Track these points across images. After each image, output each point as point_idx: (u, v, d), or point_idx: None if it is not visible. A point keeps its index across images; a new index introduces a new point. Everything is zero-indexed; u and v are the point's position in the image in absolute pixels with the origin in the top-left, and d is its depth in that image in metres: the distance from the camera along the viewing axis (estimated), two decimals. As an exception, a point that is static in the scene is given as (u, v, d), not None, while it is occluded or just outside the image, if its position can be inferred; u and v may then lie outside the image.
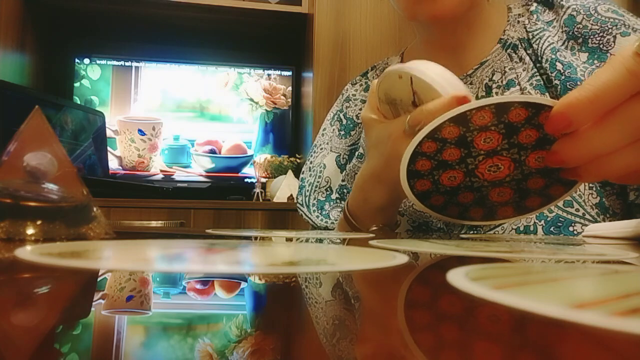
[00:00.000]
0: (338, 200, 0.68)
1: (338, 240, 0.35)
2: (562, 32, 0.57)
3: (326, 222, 0.66)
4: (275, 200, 1.62)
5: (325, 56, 1.62)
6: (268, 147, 1.88)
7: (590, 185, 0.52)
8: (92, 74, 1.81)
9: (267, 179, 1.77)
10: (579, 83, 0.53)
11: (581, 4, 0.57)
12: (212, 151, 1.84)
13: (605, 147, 0.31)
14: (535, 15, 0.60)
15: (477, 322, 0.12)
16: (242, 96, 1.88)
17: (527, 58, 0.58)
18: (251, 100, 1.88)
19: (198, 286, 0.16)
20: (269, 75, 1.90)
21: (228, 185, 1.83)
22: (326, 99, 1.59)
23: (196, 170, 1.83)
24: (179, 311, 0.13)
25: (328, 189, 0.69)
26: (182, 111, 1.84)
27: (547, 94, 0.56)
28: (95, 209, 0.30)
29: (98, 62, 1.81)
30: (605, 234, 0.43)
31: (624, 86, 0.28)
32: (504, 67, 0.59)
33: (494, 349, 0.09)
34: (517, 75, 0.58)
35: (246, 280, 0.17)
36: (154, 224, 1.41)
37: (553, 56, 0.55)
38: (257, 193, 1.70)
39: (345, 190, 0.68)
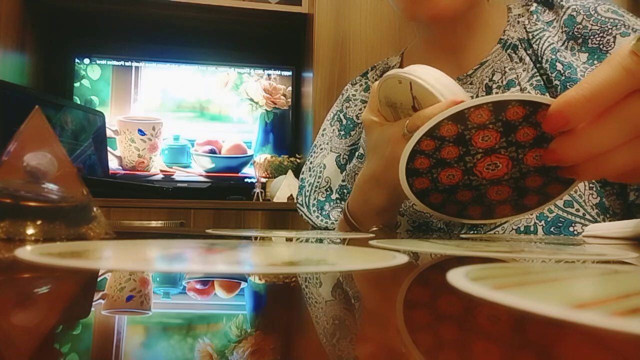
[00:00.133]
0: (338, 201, 0.68)
1: (338, 240, 0.35)
2: (562, 32, 0.57)
3: (326, 222, 0.66)
4: (275, 200, 1.62)
5: (325, 56, 1.62)
6: (268, 147, 1.88)
7: (590, 185, 0.52)
8: (92, 74, 1.81)
9: (267, 179, 1.77)
10: (578, 83, 0.53)
11: (581, 4, 0.57)
12: (212, 151, 1.84)
13: (603, 145, 0.31)
14: (535, 16, 0.60)
15: (477, 322, 0.12)
16: (242, 96, 1.88)
17: (527, 58, 0.58)
18: (251, 100, 1.88)
19: (198, 286, 0.16)
20: (269, 75, 1.90)
21: (228, 185, 1.83)
22: (326, 99, 1.59)
23: (196, 170, 1.83)
24: (179, 311, 0.13)
25: (328, 189, 0.69)
26: (182, 111, 1.84)
27: (547, 94, 0.56)
28: (95, 209, 0.30)
29: (98, 62, 1.81)
30: (605, 234, 0.43)
31: (621, 84, 0.28)
32: (504, 68, 0.59)
33: (494, 349, 0.09)
34: (517, 76, 0.58)
35: (246, 280, 0.17)
36: (154, 224, 1.41)
37: (553, 56, 0.55)
38: (257, 193, 1.70)
39: (345, 191, 0.68)
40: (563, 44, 0.57)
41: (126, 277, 0.17)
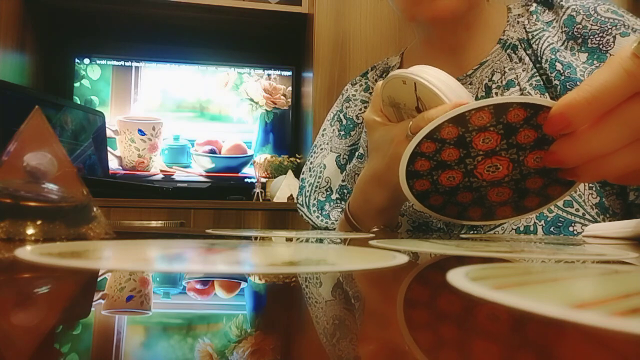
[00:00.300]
0: (338, 201, 0.68)
1: (338, 240, 0.35)
2: (562, 32, 0.57)
3: (326, 222, 0.66)
4: (275, 200, 1.62)
5: (325, 56, 1.62)
6: (268, 147, 1.88)
7: (590, 185, 0.52)
8: (92, 74, 1.81)
9: (267, 179, 1.77)
10: (578, 83, 0.53)
11: (581, 4, 0.57)
12: (212, 151, 1.84)
13: (603, 147, 0.31)
14: (534, 16, 0.60)
15: (477, 322, 0.12)
16: (242, 96, 1.88)
17: (527, 58, 0.58)
18: (251, 100, 1.88)
19: (198, 286, 0.16)
20: (269, 75, 1.90)
21: (228, 185, 1.83)
22: (326, 99, 1.59)
23: (196, 170, 1.83)
24: (179, 311, 0.13)
25: (328, 189, 0.69)
26: (182, 111, 1.84)
27: (546, 94, 0.56)
28: (95, 209, 0.30)
29: (98, 62, 1.81)
30: (605, 234, 0.43)
31: (621, 87, 0.28)
32: (504, 68, 0.59)
33: (494, 349, 0.09)
34: (517, 76, 0.58)
35: (246, 280, 0.17)
36: (154, 224, 1.41)
37: (553, 56, 0.55)
38: (257, 193, 1.70)
39: (345, 191, 0.68)
40: (563, 44, 0.57)
41: (126, 277, 0.17)
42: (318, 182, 0.69)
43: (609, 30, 0.54)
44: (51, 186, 0.29)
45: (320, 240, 0.34)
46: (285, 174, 1.69)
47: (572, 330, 0.10)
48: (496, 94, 0.58)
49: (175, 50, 1.97)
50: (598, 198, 0.52)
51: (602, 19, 0.55)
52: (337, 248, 0.29)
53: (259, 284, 0.17)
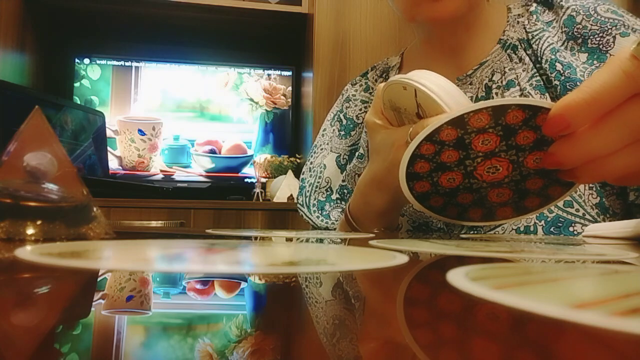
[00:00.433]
0: (338, 201, 0.68)
1: (338, 240, 0.35)
2: (562, 32, 0.57)
3: (326, 222, 0.66)
4: (275, 200, 1.62)
5: (325, 56, 1.62)
6: (268, 147, 1.88)
7: (590, 185, 0.52)
8: (92, 74, 1.81)
9: (267, 179, 1.77)
10: (578, 83, 0.53)
11: (581, 5, 0.57)
12: (212, 151, 1.84)
13: (603, 148, 0.31)
14: (534, 16, 0.60)
15: (477, 322, 0.12)
16: (242, 96, 1.88)
17: (527, 58, 0.58)
18: (251, 100, 1.88)
19: (198, 286, 0.16)
20: (269, 75, 1.90)
21: (228, 185, 1.83)
22: (326, 99, 1.59)
23: (196, 170, 1.83)
24: (179, 311, 0.13)
25: (328, 189, 0.69)
26: (182, 111, 1.84)
27: (547, 94, 0.56)
28: (95, 209, 0.30)
29: (98, 62, 1.81)
30: (605, 234, 0.43)
31: (621, 88, 0.28)
32: (504, 68, 0.59)
33: (494, 349, 0.09)
34: (517, 76, 0.58)
35: (246, 280, 0.17)
36: (154, 224, 1.41)
37: (553, 56, 0.55)
38: (257, 193, 1.70)
39: (345, 191, 0.68)
40: (563, 44, 0.57)
41: (126, 277, 0.17)
42: (318, 182, 0.69)
43: (609, 31, 0.54)
44: (51, 186, 0.29)
45: (320, 240, 0.34)
46: (285, 174, 1.69)
47: (572, 330, 0.10)
48: (496, 94, 0.58)
49: (175, 50, 1.97)
50: (598, 198, 0.52)
51: (602, 19, 0.55)
52: (337, 248, 0.29)
53: (259, 284, 0.17)
